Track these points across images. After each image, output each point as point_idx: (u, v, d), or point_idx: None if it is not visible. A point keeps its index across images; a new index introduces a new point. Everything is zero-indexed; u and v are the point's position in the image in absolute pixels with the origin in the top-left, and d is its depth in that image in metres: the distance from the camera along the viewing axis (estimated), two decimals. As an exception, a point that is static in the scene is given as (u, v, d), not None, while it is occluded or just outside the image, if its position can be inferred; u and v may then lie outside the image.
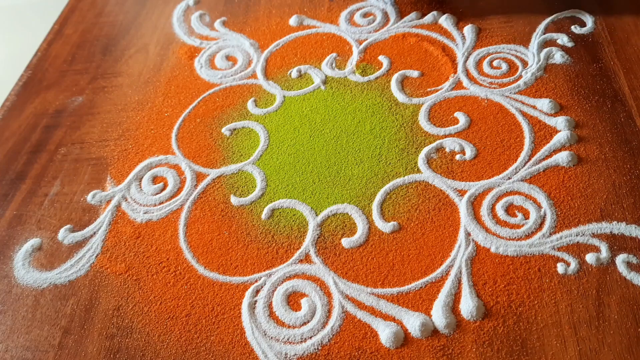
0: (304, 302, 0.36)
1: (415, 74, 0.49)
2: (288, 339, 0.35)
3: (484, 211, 0.39)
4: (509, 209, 0.39)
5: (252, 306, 0.37)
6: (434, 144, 0.43)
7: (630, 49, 0.47)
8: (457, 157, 0.42)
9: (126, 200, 0.45)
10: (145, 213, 0.44)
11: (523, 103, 0.45)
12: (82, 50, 0.60)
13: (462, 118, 0.45)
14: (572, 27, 0.50)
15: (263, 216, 0.42)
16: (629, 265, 0.35)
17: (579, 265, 0.35)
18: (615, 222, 0.37)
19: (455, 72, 0.49)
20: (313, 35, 0.55)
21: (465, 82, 0.48)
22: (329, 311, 0.36)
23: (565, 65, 0.47)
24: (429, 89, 0.48)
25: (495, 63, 0.48)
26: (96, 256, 0.41)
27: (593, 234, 0.37)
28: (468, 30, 0.52)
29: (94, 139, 0.50)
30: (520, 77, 0.47)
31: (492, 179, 0.41)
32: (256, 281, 0.38)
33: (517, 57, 0.49)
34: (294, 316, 0.36)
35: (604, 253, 0.35)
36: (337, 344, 0.34)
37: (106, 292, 0.39)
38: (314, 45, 0.54)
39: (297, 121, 0.48)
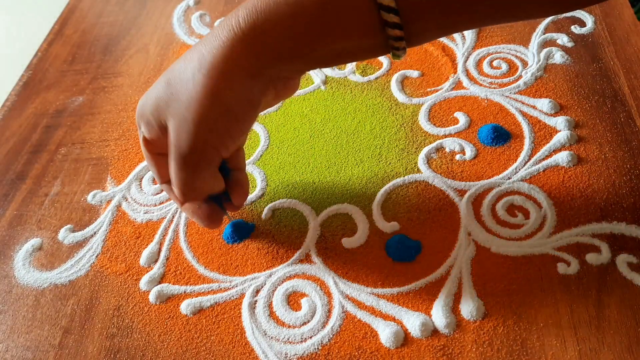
0: (304, 302, 0.36)
1: (415, 74, 0.49)
2: (288, 339, 0.35)
3: (484, 211, 0.39)
4: (509, 209, 0.39)
5: (252, 306, 0.37)
6: (434, 144, 0.43)
7: (630, 48, 0.47)
8: (457, 157, 0.42)
9: (126, 200, 0.45)
10: (145, 213, 0.44)
11: (523, 103, 0.45)
12: (82, 51, 0.60)
13: (462, 118, 0.45)
14: (572, 27, 0.50)
15: (263, 216, 0.42)
16: (629, 265, 0.35)
17: (579, 265, 0.35)
18: (615, 222, 0.37)
19: (455, 72, 0.49)
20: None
21: (465, 82, 0.48)
22: (329, 311, 0.36)
23: (565, 65, 0.47)
24: (429, 89, 0.48)
25: (495, 63, 0.48)
26: (96, 256, 0.41)
27: (593, 234, 0.37)
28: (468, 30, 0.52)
29: (95, 139, 0.50)
30: (520, 77, 0.47)
31: (492, 179, 0.41)
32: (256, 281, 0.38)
33: (517, 57, 0.49)
34: (294, 316, 0.36)
35: (604, 253, 0.35)
36: (337, 344, 0.34)
37: (106, 292, 0.39)
38: (314, 45, 0.54)
39: (297, 121, 0.48)
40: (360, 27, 0.29)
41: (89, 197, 0.45)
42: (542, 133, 0.43)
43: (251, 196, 0.43)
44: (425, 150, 0.43)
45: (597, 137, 0.42)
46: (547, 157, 0.41)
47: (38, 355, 0.37)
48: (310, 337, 0.35)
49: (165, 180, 0.36)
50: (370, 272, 0.37)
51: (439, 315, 0.34)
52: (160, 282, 0.39)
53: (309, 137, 0.46)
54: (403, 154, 0.43)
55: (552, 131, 0.43)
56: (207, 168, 0.32)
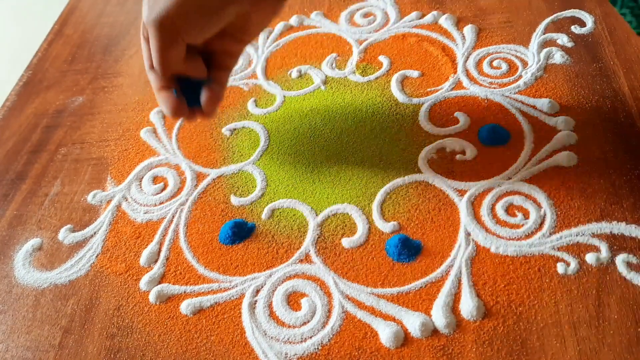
0: (304, 302, 0.36)
1: (415, 74, 0.49)
2: (288, 339, 0.35)
3: (484, 211, 0.39)
4: (509, 209, 0.39)
5: (252, 306, 0.37)
6: (434, 144, 0.43)
7: (630, 49, 0.47)
8: (457, 157, 0.42)
9: (126, 200, 0.45)
10: (145, 213, 0.44)
11: (523, 103, 0.45)
12: (82, 51, 0.60)
13: (462, 118, 0.45)
14: (572, 27, 0.50)
15: (263, 216, 0.42)
16: (629, 265, 0.35)
17: (579, 265, 0.35)
18: (615, 222, 0.37)
19: (455, 72, 0.49)
20: (313, 36, 0.55)
21: (465, 82, 0.48)
22: (329, 311, 0.36)
23: (565, 66, 0.47)
24: (429, 89, 0.48)
25: (495, 63, 0.48)
26: (96, 256, 0.42)
27: (593, 233, 0.37)
28: (468, 30, 0.52)
29: (94, 139, 0.50)
30: (520, 77, 0.47)
31: (492, 179, 0.41)
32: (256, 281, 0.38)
33: (517, 57, 0.49)
34: (294, 316, 0.36)
35: (604, 253, 0.35)
36: (337, 344, 0.34)
37: (106, 292, 0.39)
38: (314, 46, 0.54)
39: (297, 121, 0.48)
40: None
41: (89, 197, 0.45)
42: (542, 133, 0.43)
43: (251, 196, 0.43)
44: (425, 150, 0.43)
45: (597, 137, 0.42)
46: (547, 157, 0.41)
47: (38, 355, 0.37)
48: (310, 337, 0.35)
49: (152, 65, 0.37)
50: (370, 272, 0.37)
51: (438, 315, 0.34)
52: (160, 282, 0.39)
53: (309, 137, 0.46)
54: (403, 154, 0.44)
55: (552, 131, 0.43)
56: (175, 41, 0.34)
